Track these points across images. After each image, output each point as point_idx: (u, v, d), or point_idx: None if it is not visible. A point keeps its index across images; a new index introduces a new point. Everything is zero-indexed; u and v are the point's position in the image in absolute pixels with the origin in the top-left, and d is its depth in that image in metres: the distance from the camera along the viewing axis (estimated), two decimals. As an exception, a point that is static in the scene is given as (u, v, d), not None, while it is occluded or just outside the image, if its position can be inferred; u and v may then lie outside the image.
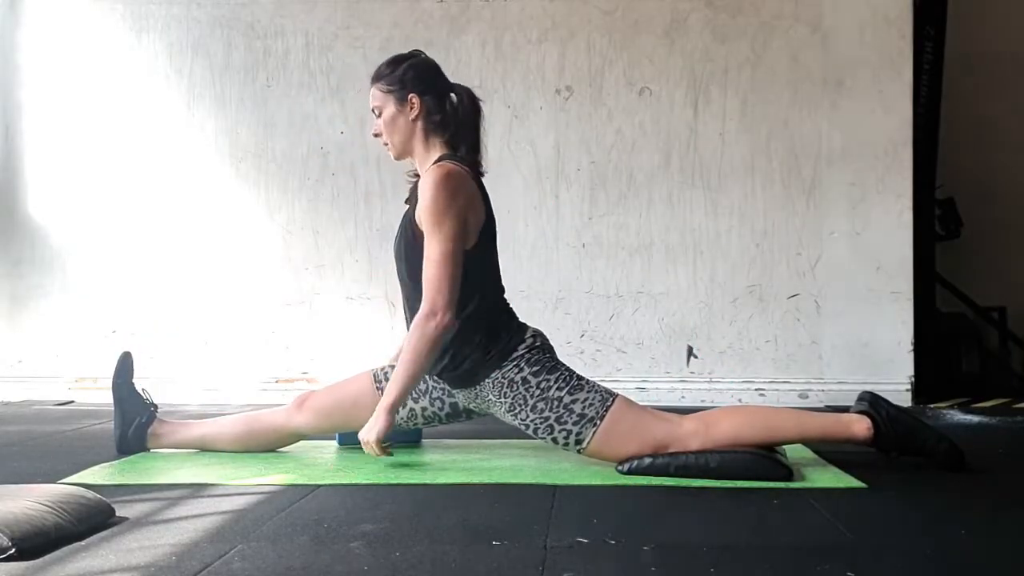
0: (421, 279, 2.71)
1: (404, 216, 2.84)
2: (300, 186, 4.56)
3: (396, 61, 2.84)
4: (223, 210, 4.57)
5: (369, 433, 2.63)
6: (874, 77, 4.41)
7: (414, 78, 2.80)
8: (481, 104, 2.86)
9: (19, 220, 4.62)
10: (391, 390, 2.65)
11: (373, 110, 2.85)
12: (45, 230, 4.61)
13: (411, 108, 2.79)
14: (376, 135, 2.86)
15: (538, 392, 2.69)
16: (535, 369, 2.70)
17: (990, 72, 5.58)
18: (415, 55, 2.88)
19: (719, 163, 4.45)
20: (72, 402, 4.42)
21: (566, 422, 2.67)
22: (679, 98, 4.47)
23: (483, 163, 2.85)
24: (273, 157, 4.57)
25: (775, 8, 4.45)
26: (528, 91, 4.46)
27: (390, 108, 2.80)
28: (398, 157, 2.86)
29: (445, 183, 2.67)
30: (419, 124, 2.80)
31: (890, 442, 2.68)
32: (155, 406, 2.98)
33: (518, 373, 2.70)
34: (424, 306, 2.64)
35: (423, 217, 2.67)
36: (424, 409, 2.86)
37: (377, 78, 2.83)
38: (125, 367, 2.96)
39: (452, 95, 2.84)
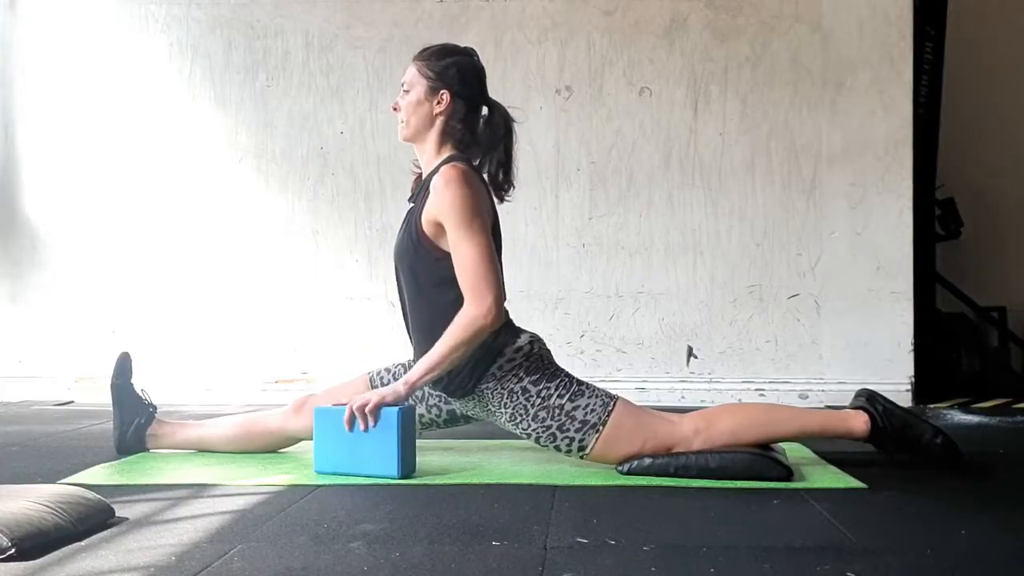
0: (424, 279, 2.69)
1: (408, 214, 2.80)
2: (300, 186, 4.56)
3: (446, 52, 2.79)
4: (223, 210, 4.57)
5: (375, 395, 2.55)
6: (874, 77, 4.41)
7: (455, 75, 2.75)
8: (514, 125, 2.79)
9: (19, 220, 4.63)
10: (417, 370, 2.59)
11: (402, 84, 2.80)
12: (45, 230, 4.61)
13: (439, 103, 2.74)
14: (395, 109, 2.80)
15: (539, 401, 2.66)
16: (535, 378, 2.67)
17: (990, 72, 5.58)
18: (467, 54, 2.82)
19: (719, 163, 4.45)
20: (72, 402, 4.42)
21: (568, 429, 2.65)
22: (679, 98, 4.47)
23: (513, 184, 2.78)
24: (273, 157, 4.57)
25: (775, 8, 4.45)
26: (528, 91, 4.46)
27: (419, 92, 2.75)
28: (405, 139, 2.81)
29: (466, 181, 2.62)
30: (439, 120, 2.75)
31: (887, 438, 2.68)
32: (154, 407, 2.98)
33: (517, 383, 2.67)
34: (476, 305, 2.57)
35: (448, 218, 2.61)
36: (421, 416, 2.85)
37: (421, 58, 2.79)
38: (124, 367, 2.96)
39: (484, 109, 2.79)
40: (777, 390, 4.35)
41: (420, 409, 2.83)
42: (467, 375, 2.68)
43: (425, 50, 2.81)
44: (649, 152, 4.48)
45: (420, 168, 2.84)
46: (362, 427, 2.55)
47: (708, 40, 4.46)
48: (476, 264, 2.59)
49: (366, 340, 4.42)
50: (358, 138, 4.53)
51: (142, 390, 2.97)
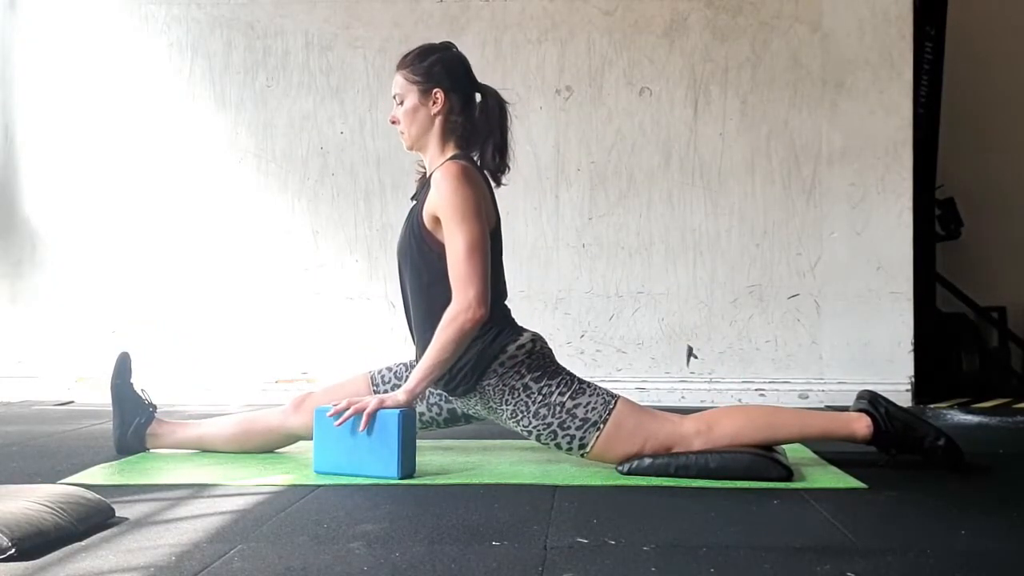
0: (426, 276, 2.69)
1: (410, 212, 2.80)
2: (300, 186, 4.56)
3: (426, 52, 2.79)
4: (223, 210, 4.57)
5: (375, 400, 2.56)
6: (874, 77, 4.41)
7: (441, 72, 2.75)
8: (508, 106, 2.81)
9: (19, 220, 4.62)
10: (415, 378, 2.59)
11: (394, 96, 2.79)
12: (45, 230, 4.61)
13: (434, 103, 2.74)
14: (393, 122, 2.80)
15: (540, 398, 2.67)
16: (536, 375, 2.68)
17: (990, 72, 5.58)
18: (446, 48, 2.82)
19: (719, 163, 4.45)
20: (72, 402, 4.42)
21: (569, 427, 2.65)
22: (679, 98, 4.47)
23: (509, 165, 2.79)
24: (273, 157, 4.57)
25: (775, 8, 4.45)
26: (528, 91, 4.45)
27: (412, 99, 2.75)
28: (411, 148, 2.81)
29: (465, 177, 2.64)
30: (439, 120, 2.75)
31: (889, 440, 2.68)
32: (154, 406, 2.98)
33: (519, 380, 2.67)
34: (458, 300, 2.58)
35: (444, 212, 2.62)
36: (421, 415, 2.84)
37: (403, 66, 2.78)
38: (124, 367, 2.96)
39: (477, 96, 2.80)
40: (777, 390, 4.35)
41: (420, 408, 2.83)
42: (469, 372, 2.68)
43: (405, 57, 2.80)
44: (649, 152, 4.48)
45: (424, 168, 2.85)
46: (360, 426, 2.55)
47: (708, 40, 4.46)
48: (461, 258, 2.60)
49: (366, 340, 4.43)
50: (358, 138, 4.53)
51: (142, 390, 2.97)
